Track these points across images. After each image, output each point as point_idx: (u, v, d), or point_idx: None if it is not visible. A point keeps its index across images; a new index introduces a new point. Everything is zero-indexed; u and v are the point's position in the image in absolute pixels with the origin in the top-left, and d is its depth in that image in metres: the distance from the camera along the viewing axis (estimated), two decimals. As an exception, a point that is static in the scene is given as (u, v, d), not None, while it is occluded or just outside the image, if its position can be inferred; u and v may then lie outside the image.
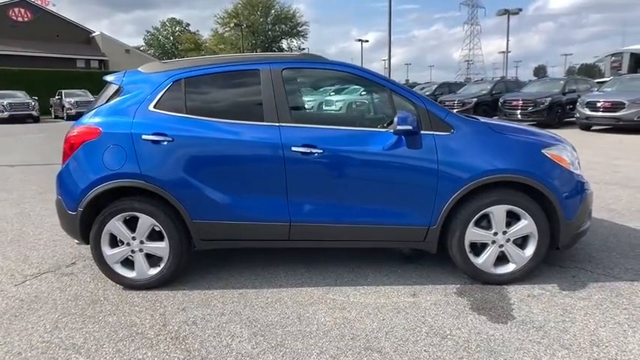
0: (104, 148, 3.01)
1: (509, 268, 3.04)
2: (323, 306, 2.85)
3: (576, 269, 3.27)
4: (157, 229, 3.06)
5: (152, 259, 3.15)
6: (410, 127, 2.77)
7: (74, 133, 3.10)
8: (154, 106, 3.06)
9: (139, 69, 3.30)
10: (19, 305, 2.97)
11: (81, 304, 2.97)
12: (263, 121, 3.00)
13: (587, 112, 11.76)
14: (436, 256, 3.37)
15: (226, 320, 2.71)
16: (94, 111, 3.16)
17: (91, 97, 22.06)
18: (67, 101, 22.80)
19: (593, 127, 12.42)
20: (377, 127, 3.06)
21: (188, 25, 58.87)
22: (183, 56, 53.33)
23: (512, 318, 2.63)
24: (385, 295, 2.97)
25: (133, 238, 3.08)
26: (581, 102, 12.16)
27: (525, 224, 2.96)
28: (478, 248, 3.06)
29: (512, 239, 3.00)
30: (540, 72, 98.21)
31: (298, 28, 45.49)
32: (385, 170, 2.95)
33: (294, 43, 48.08)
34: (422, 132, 2.92)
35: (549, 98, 13.15)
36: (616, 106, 11.20)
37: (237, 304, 2.92)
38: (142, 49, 50.18)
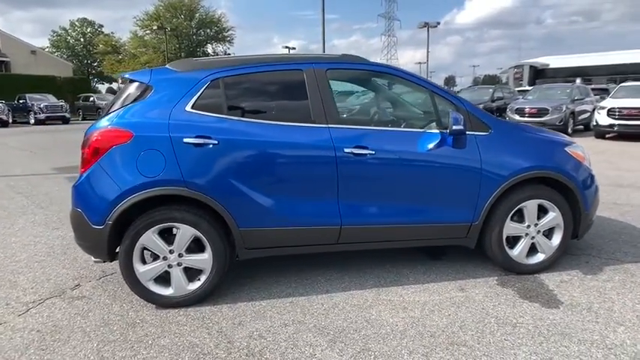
0: (138, 152, 2.71)
1: (540, 257, 3.28)
2: (383, 307, 2.84)
3: (585, 256, 3.62)
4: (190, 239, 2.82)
5: (189, 273, 2.90)
6: (462, 127, 2.89)
7: (98, 137, 2.76)
8: (192, 107, 2.83)
9: (168, 66, 3.04)
10: (39, 338, 2.56)
11: (116, 329, 2.64)
12: (310, 123, 2.92)
13: (517, 117, 13.03)
14: (458, 251, 3.54)
15: (294, 330, 2.59)
16: (118, 112, 2.84)
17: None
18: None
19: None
20: (416, 128, 3.14)
21: (101, 26, 54.63)
22: (99, 59, 49.46)
23: (560, 303, 2.85)
24: (436, 292, 3.04)
25: (171, 252, 2.81)
26: (510, 108, 13.46)
27: (554, 216, 3.22)
28: (511, 241, 3.26)
29: (541, 231, 3.25)
30: (450, 82, 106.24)
31: (224, 33, 44.37)
32: (433, 170, 3.02)
33: (220, 48, 46.87)
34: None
35: (481, 105, 14.36)
36: (541, 112, 12.57)
37: (294, 312, 2.79)
38: (47, 50, 45.47)
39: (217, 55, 48.16)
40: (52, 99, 23.41)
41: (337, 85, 3.42)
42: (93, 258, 3.01)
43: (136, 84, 2.95)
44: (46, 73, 30.13)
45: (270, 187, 2.86)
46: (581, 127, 13.98)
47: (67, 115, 23.13)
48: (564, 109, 12.72)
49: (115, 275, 3.42)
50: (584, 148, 3.47)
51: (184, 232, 2.79)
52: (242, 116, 2.88)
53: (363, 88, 3.69)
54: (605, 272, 3.29)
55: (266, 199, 2.86)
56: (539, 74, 45.22)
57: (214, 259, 2.85)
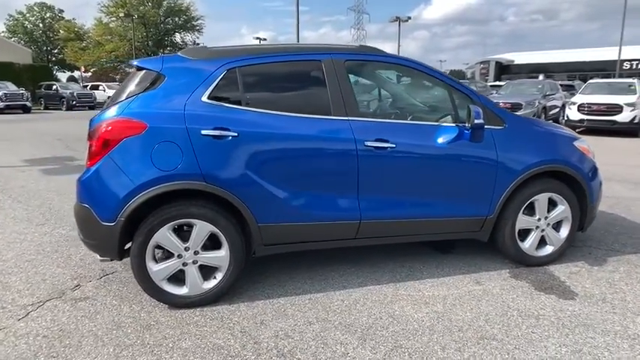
0: (152, 145, 2.55)
1: (549, 250, 3.34)
2: (404, 302, 2.82)
3: (587, 247, 3.73)
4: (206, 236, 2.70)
5: (204, 271, 2.77)
6: (483, 121, 2.88)
7: (108, 128, 2.57)
8: (208, 97, 2.69)
9: (180, 54, 2.87)
10: (47, 344, 2.38)
11: (131, 331, 2.49)
12: (330, 115, 2.84)
13: (492, 111, 13.33)
14: (465, 244, 3.57)
15: (320, 328, 2.52)
16: (128, 101, 2.66)
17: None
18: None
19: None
20: (433, 121, 3.11)
21: (62, 11, 51.78)
22: (60, 46, 46.97)
23: (575, 294, 2.91)
24: (453, 286, 3.04)
25: (186, 249, 2.68)
26: (485, 103, 13.76)
27: (562, 209, 3.28)
28: (522, 234, 3.31)
29: (551, 224, 3.31)
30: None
31: (193, 22, 43.03)
32: (452, 164, 3.01)
33: (189, 37, 45.51)
34: (482, 126, 3.05)
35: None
36: (515, 107, 12.89)
37: (315, 310, 2.73)
38: (2, 35, 42.74)
39: (186, 44, 46.81)
40: (11, 87, 22.05)
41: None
42: (99, 257, 2.83)
43: (145, 72, 2.77)
44: (3, 59, 28.29)
45: (289, 182, 2.76)
46: (551, 121, 14.51)
47: (29, 104, 21.89)
48: (537, 104, 13.14)
49: (116, 274, 3.24)
50: (587, 143, 3.55)
51: (201, 229, 2.66)
52: (259, 107, 2.76)
53: (384, 79, 3.61)
54: (610, 263, 3.40)
55: (286, 194, 2.76)
56: (504, 70, 46.62)
57: (231, 256, 2.73)
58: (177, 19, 42.56)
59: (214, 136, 2.62)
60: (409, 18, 38.75)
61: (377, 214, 2.94)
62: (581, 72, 41.18)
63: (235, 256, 2.74)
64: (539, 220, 3.27)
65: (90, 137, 2.65)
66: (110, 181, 2.56)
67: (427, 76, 3.15)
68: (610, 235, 4.04)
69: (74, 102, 24.35)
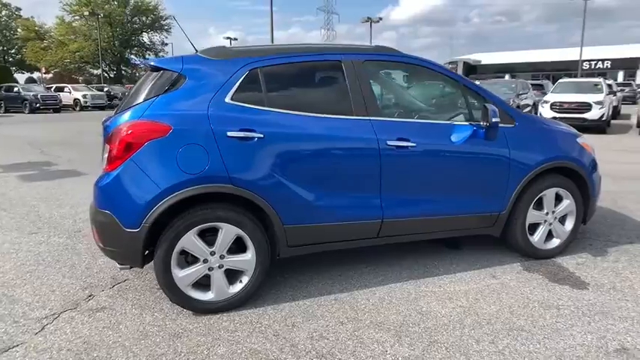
0: (177, 147, 2.49)
1: (555, 243, 3.48)
2: (429, 299, 2.86)
3: (586, 239, 3.90)
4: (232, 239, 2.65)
5: (229, 275, 2.72)
6: (499, 120, 2.97)
7: (131, 131, 2.48)
8: (231, 98, 2.64)
9: (200, 54, 2.80)
10: (74, 357, 2.27)
11: (160, 340, 2.42)
12: (352, 115, 2.85)
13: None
14: (471, 240, 3.65)
15: (353, 328, 2.53)
16: (148, 102, 2.57)
17: None
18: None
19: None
20: (449, 120, 3.18)
21: (19, 9, 49.39)
22: (19, 45, 44.77)
23: (587, 284, 3.04)
24: (472, 281, 3.12)
25: (212, 253, 2.62)
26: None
27: (568, 203, 3.43)
28: (531, 228, 3.42)
29: (557, 218, 3.45)
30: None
31: (161, 22, 42.07)
32: (469, 162, 3.08)
33: (157, 37, 44.48)
34: (495, 125, 3.14)
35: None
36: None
37: (343, 310, 2.73)
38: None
39: (154, 44, 45.77)
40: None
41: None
42: (118, 264, 2.73)
43: (163, 72, 2.69)
44: (-43, 59, 26.74)
45: (314, 182, 2.76)
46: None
47: (-12, 107, 20.78)
48: (511, 102, 13.58)
49: (128, 282, 3.14)
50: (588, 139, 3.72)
51: (227, 232, 2.61)
52: (282, 108, 2.74)
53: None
54: (611, 254, 3.57)
55: (311, 195, 2.75)
56: (472, 70, 48.04)
57: (258, 259, 2.70)
58: (144, 18, 41.46)
59: (240, 138, 2.58)
60: (380, 19, 39.28)
61: (398, 212, 2.97)
62: (545, 71, 42.99)
63: (261, 259, 2.71)
64: (547, 214, 3.40)
65: (108, 141, 2.55)
66: (134, 185, 2.47)
67: (442, 75, 3.21)
68: (604, 227, 4.24)
69: (37, 104, 23.30)
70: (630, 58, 42.65)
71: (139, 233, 2.47)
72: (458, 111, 3.22)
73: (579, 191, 3.44)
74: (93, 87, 30.41)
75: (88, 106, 26.51)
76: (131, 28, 40.80)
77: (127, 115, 2.57)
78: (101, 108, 26.76)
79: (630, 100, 26.22)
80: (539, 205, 3.38)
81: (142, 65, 3.12)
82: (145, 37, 42.33)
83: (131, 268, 2.78)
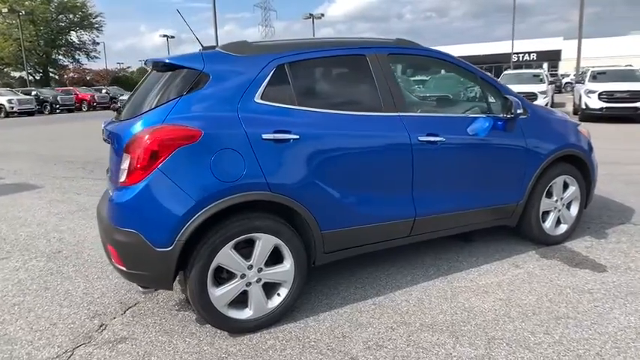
0: (211, 153, 2.24)
1: (563, 228, 3.60)
2: (466, 295, 2.83)
3: (582, 223, 4.07)
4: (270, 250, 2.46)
5: (266, 289, 2.52)
6: (522, 111, 2.99)
7: (156, 137, 2.19)
8: (261, 97, 2.43)
9: (221, 50, 2.55)
10: (111, 399, 1.98)
11: (204, 368, 2.17)
12: (381, 111, 2.74)
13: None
14: (480, 232, 3.67)
15: (406, 332, 2.43)
16: (167, 105, 2.29)
17: None
18: None
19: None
20: (468, 113, 3.17)
21: None
22: None
23: (604, 267, 3.17)
24: (499, 272, 3.13)
25: (249, 267, 2.41)
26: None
27: (574, 190, 3.56)
28: (543, 216, 3.51)
29: (565, 204, 3.57)
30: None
31: (91, 19, 39.18)
32: (493, 154, 3.09)
33: (86, 36, 41.44)
34: (512, 116, 3.17)
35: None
36: (446, 98, 13.86)
37: (387, 315, 2.62)
38: None
39: (84, 43, 42.68)
40: None
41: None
42: (140, 288, 2.43)
43: (182, 71, 2.41)
44: None
45: (351, 184, 2.62)
46: None
47: None
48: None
49: (139, 306, 2.82)
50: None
51: (265, 243, 2.41)
52: (312, 106, 2.57)
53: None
54: (611, 235, 3.76)
55: (347, 197, 2.61)
56: (410, 65, 49.76)
57: (296, 269, 2.52)
58: (72, 15, 38.43)
59: (276, 140, 2.38)
60: (322, 15, 39.39)
61: (430, 209, 2.91)
62: (480, 64, 45.37)
63: (300, 269, 2.54)
64: (556, 201, 3.51)
65: (127, 150, 2.24)
66: (164, 198, 2.19)
67: (461, 69, 3.19)
68: (592, 210, 4.46)
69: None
70: (553, 50, 46.31)
71: (172, 251, 2.20)
72: (474, 104, 3.22)
73: (582, 177, 3.59)
74: (19, 91, 27.76)
75: (15, 112, 24.16)
76: (57, 27, 37.55)
77: (146, 120, 2.27)
78: (30, 114, 24.53)
79: (557, 89, 28.40)
80: (548, 193, 3.48)
81: (146, 64, 2.80)
82: (74, 36, 39.34)
83: (156, 290, 2.49)
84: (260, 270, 2.44)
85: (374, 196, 2.72)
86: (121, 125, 2.45)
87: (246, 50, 2.55)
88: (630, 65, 15.02)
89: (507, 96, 3.03)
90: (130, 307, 2.81)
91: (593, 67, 16.72)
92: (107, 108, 30.36)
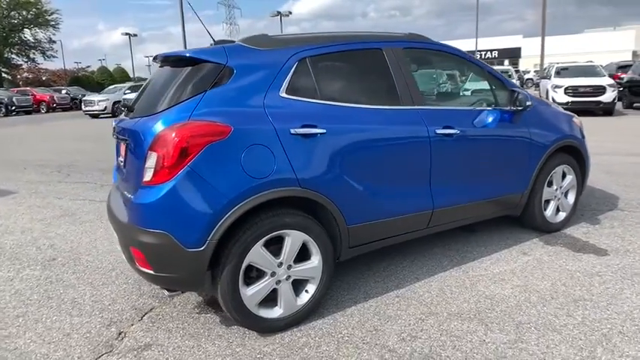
0: (241, 149, 2.18)
1: (562, 216, 3.75)
2: (485, 283, 2.90)
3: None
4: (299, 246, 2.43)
5: (294, 286, 2.48)
6: (531, 103, 3.08)
7: (184, 134, 2.10)
8: (286, 92, 2.39)
9: (242, 43, 2.48)
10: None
11: (242, 370, 2.12)
12: (400, 105, 2.75)
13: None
14: (481, 222, 3.77)
15: (437, 322, 2.46)
16: (191, 101, 2.21)
17: None
18: None
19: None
20: (476, 106, 3.23)
21: None
22: None
23: (605, 250, 3.32)
24: (511, 260, 3.22)
25: (279, 265, 2.36)
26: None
27: (571, 179, 3.71)
28: (544, 205, 3.64)
29: (563, 193, 3.71)
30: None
31: (47, 17, 37.22)
32: (503, 145, 3.18)
33: (41, 34, 39.38)
34: (517, 108, 3.26)
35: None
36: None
37: (414, 306, 2.64)
38: None
39: (39, 41, 40.58)
40: None
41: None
42: (166, 292, 2.34)
43: (203, 65, 2.33)
44: None
45: (375, 177, 2.62)
46: None
47: None
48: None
49: (156, 310, 2.72)
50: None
51: (295, 239, 2.37)
52: (335, 100, 2.55)
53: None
54: (603, 221, 3.95)
55: (372, 191, 2.61)
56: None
57: (324, 264, 2.50)
58: (25, 12, 36.43)
59: (303, 135, 2.35)
60: (290, 13, 39.22)
61: (446, 201, 2.96)
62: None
63: (328, 264, 2.52)
64: (556, 190, 3.65)
65: (153, 148, 2.14)
66: (195, 197, 2.11)
67: (470, 63, 3.26)
68: (583, 198, 4.57)
69: None
70: (512, 48, 48.17)
71: (204, 252, 2.13)
72: (485, 96, 3.29)
73: (578, 167, 3.75)
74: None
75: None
76: (9, 24, 35.50)
77: (170, 116, 2.18)
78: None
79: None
80: (549, 183, 3.61)
81: (155, 60, 2.68)
82: (28, 34, 37.25)
83: (183, 292, 2.39)
84: (289, 267, 2.40)
85: (396, 189, 2.73)
86: (139, 122, 2.34)
87: (268, 44, 2.50)
88: (591, 61, 15.80)
89: (515, 89, 3.12)
90: (146, 313, 2.69)
91: (552, 63, 17.51)
92: (68, 109, 29.04)
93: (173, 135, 2.10)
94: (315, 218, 2.47)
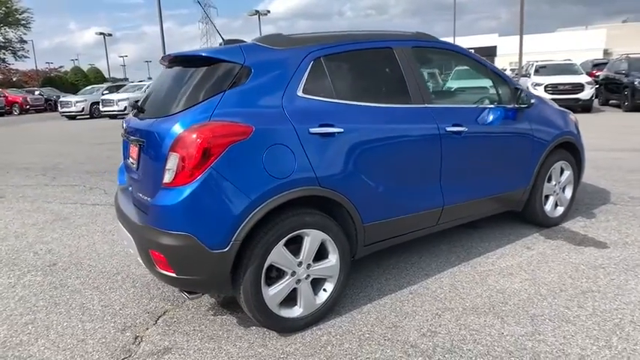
0: (263, 149, 2.17)
1: (560, 211, 3.86)
2: (493, 277, 2.96)
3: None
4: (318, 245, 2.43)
5: (313, 285, 2.49)
6: (534, 101, 3.16)
7: (206, 135, 2.07)
8: (303, 91, 2.39)
9: (258, 43, 2.46)
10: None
11: (268, 371, 2.11)
12: (411, 103, 2.79)
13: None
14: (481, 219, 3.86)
15: (453, 317, 2.50)
16: (209, 101, 2.19)
17: None
18: None
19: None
20: (480, 103, 3.30)
21: None
22: None
23: (605, 243, 3.43)
24: (516, 254, 3.30)
25: (299, 264, 2.36)
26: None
27: (569, 174, 3.83)
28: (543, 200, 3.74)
29: (561, 188, 3.82)
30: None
31: (17, 16, 35.96)
32: (508, 142, 3.25)
33: (11, 34, 38.07)
34: (520, 105, 3.35)
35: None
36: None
37: (429, 302, 2.68)
38: None
39: (9, 41, 39.23)
40: None
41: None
42: (187, 295, 2.31)
43: (219, 65, 2.31)
44: None
45: (389, 176, 2.65)
46: None
47: None
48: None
49: (170, 313, 2.68)
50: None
51: (314, 239, 2.37)
52: (351, 99, 2.56)
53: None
54: (598, 215, 4.08)
55: (387, 189, 2.64)
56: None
57: (342, 262, 2.51)
58: (-6, 11, 35.20)
59: (322, 134, 2.35)
60: (268, 12, 38.93)
61: (456, 198, 3.01)
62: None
63: (345, 263, 2.53)
64: (555, 185, 3.75)
65: (174, 149, 2.11)
66: (218, 198, 2.09)
67: (474, 62, 3.32)
68: (576, 193, 4.82)
69: None
70: (488, 46, 49.06)
71: (229, 253, 2.11)
72: (488, 94, 3.36)
73: (575, 162, 3.87)
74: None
75: None
76: (-23, 23, 34.30)
77: (190, 117, 2.15)
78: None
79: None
80: (549, 178, 3.71)
81: (163, 59, 2.64)
82: (-3, 34, 35.91)
83: (203, 295, 2.36)
84: (309, 266, 2.41)
85: (409, 187, 2.76)
86: (155, 123, 2.30)
87: (283, 43, 2.49)
88: (569, 59, 16.27)
89: (518, 87, 3.19)
90: (160, 317, 2.65)
91: (530, 62, 17.91)
92: (42, 111, 28.17)
93: (195, 136, 2.08)
94: (331, 217, 2.48)
